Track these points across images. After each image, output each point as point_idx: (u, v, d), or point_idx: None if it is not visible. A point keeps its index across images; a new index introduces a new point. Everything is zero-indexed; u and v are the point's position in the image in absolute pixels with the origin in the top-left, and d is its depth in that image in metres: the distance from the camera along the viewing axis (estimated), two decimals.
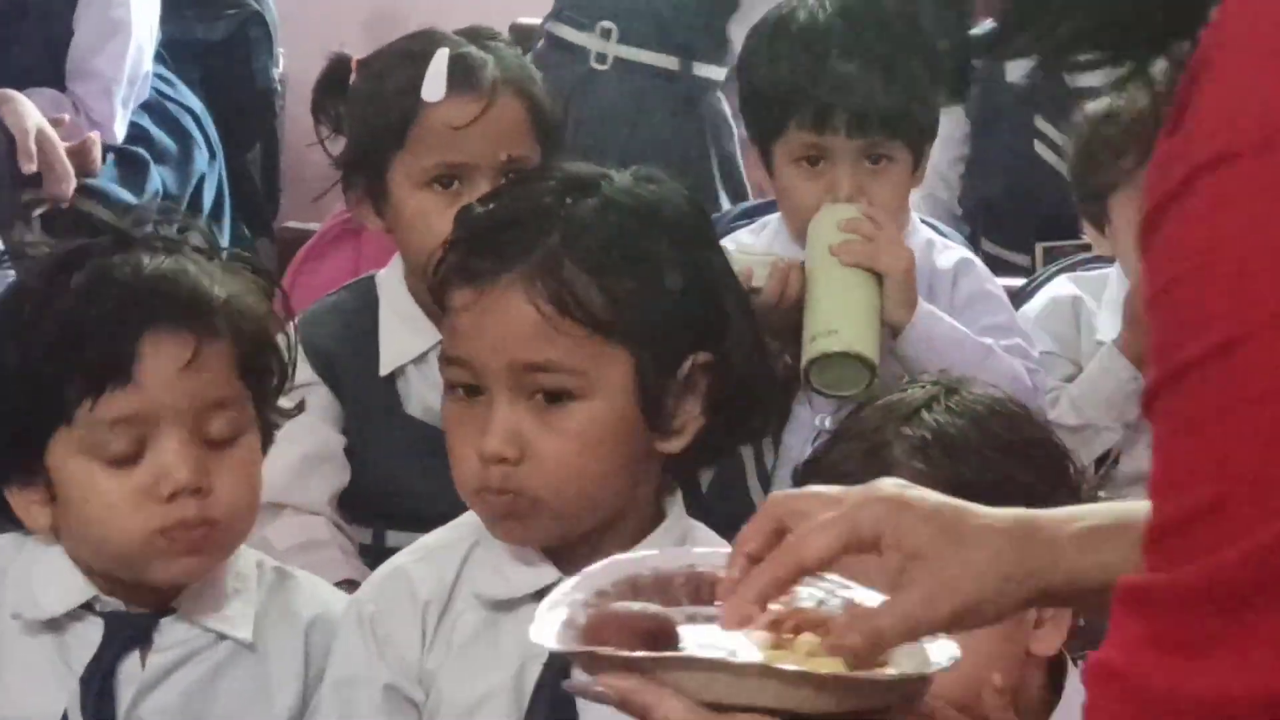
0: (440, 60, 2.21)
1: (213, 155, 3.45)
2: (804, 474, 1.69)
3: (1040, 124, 3.14)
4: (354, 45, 2.44)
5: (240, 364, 1.65)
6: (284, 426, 2.01)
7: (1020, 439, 1.64)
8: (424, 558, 1.69)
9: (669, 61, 3.35)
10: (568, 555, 1.62)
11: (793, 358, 2.27)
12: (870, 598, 1.21)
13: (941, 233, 2.54)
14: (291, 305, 2.35)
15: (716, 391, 1.63)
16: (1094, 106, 2.39)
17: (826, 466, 1.63)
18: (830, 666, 1.15)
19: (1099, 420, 2.32)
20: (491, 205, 1.64)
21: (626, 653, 1.15)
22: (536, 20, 3.41)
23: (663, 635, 1.18)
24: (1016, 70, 3.22)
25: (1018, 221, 3.15)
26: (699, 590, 1.25)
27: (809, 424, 2.34)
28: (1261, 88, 0.87)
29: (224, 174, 3.52)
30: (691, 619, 1.23)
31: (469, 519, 1.69)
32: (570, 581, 1.25)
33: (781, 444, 2.35)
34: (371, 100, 2.25)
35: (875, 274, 2.22)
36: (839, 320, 2.19)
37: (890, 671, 1.16)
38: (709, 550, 1.29)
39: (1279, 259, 0.84)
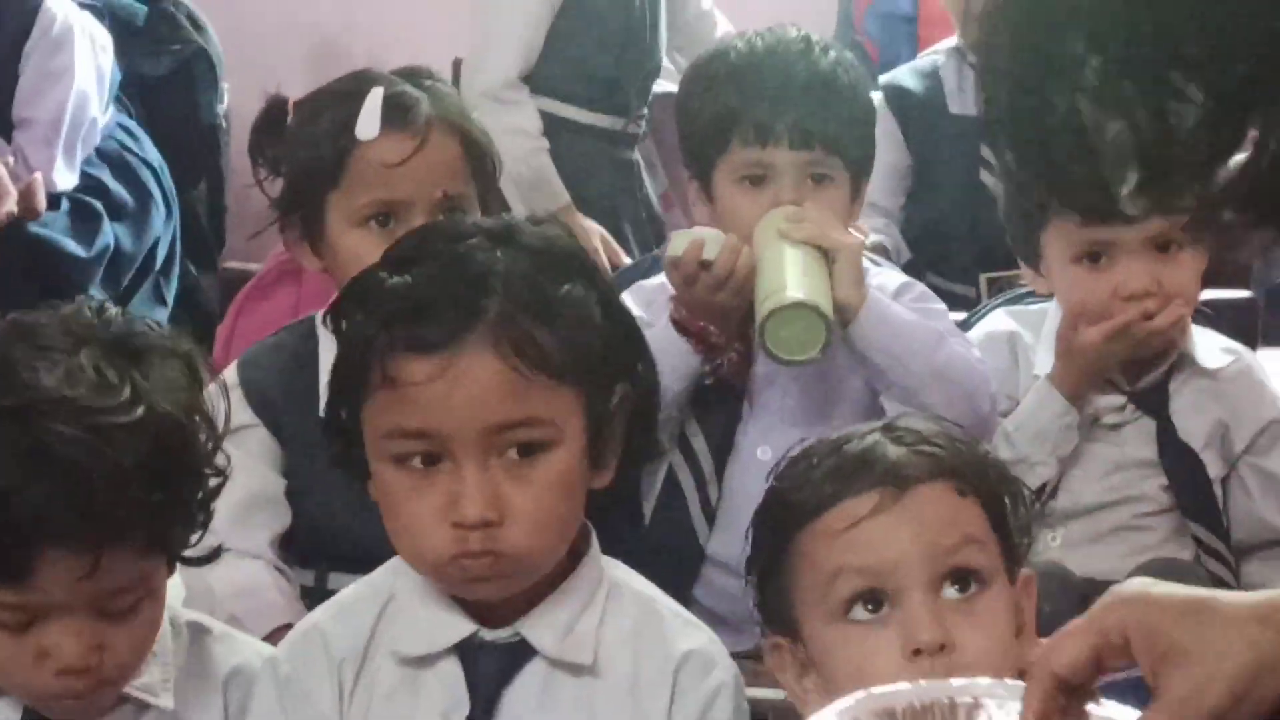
0: (374, 99, 2.22)
1: (169, 213, 3.44)
2: (779, 494, 1.63)
3: (985, 152, 3.13)
4: (297, 81, 2.45)
5: (149, 545, 1.60)
6: None
7: (988, 454, 1.65)
8: (338, 614, 1.68)
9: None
10: (486, 605, 1.62)
11: (739, 353, 2.29)
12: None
13: (879, 265, 2.56)
14: (232, 347, 2.36)
15: (634, 420, 1.65)
16: None
17: (807, 477, 1.59)
18: None
19: (1033, 454, 2.32)
20: (419, 271, 1.59)
21: None
22: None
23: None
24: (959, 100, 3.23)
25: (962, 252, 3.15)
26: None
27: (752, 455, 2.35)
28: None
29: (178, 226, 3.51)
30: None
31: (383, 573, 1.69)
32: (824, 714, 1.27)
33: (725, 476, 2.36)
34: (307, 140, 2.26)
35: (824, 255, 2.23)
36: (791, 280, 2.20)
37: None
38: (965, 681, 1.30)
39: None
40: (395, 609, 1.65)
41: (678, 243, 2.27)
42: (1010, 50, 1.02)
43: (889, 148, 3.11)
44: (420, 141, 2.22)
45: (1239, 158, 0.98)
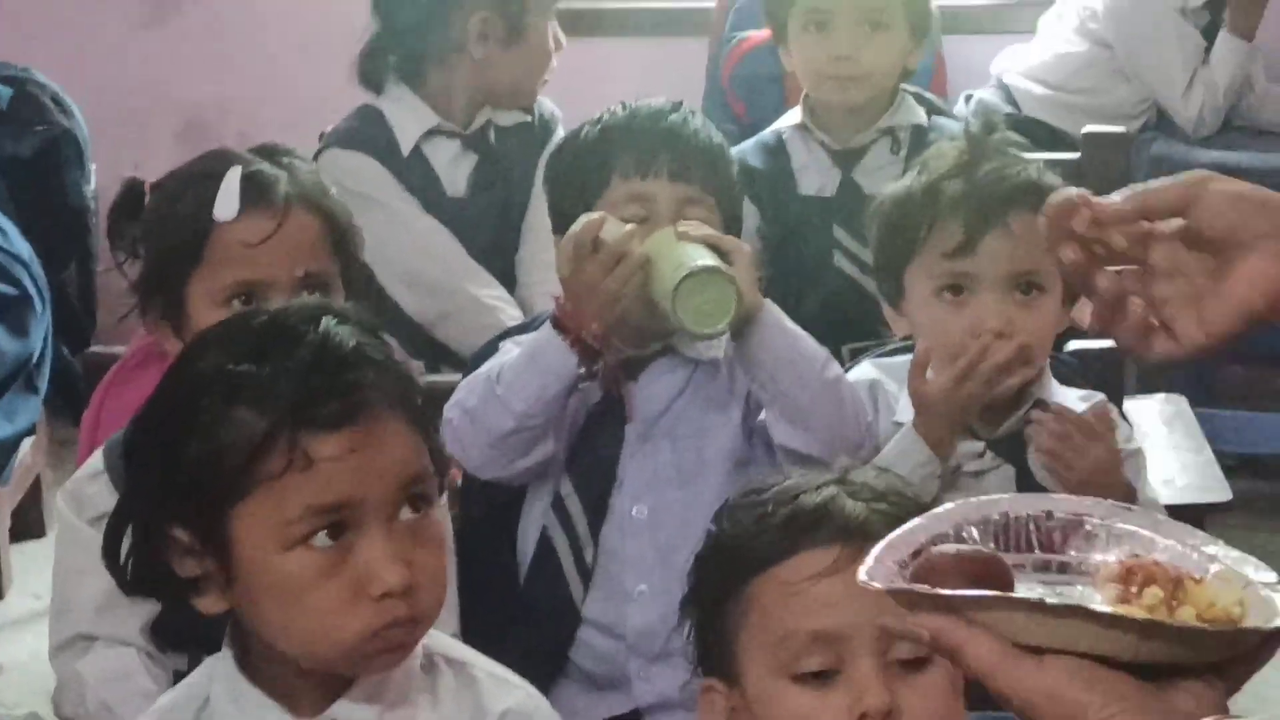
0: (232, 178, 2.23)
1: (45, 305, 3.40)
2: (731, 538, 1.64)
3: (838, 233, 3.08)
4: (168, 159, 2.46)
5: None
6: (91, 557, 2.00)
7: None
8: None
9: None
10: (301, 692, 1.62)
11: (615, 361, 2.29)
12: (1230, 557, 1.16)
13: None
14: (99, 433, 2.35)
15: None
16: (893, 187, 2.46)
17: (762, 525, 1.58)
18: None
19: None
20: (294, 356, 1.59)
21: (941, 590, 1.12)
22: None
23: (994, 577, 1.14)
24: (809, 182, 3.20)
25: (815, 333, 3.14)
26: (1050, 538, 1.21)
27: (627, 515, 2.36)
28: None
29: (51, 314, 3.47)
30: (1044, 567, 1.19)
31: (198, 675, 1.69)
32: (914, 521, 1.21)
33: (600, 537, 2.37)
34: (166, 221, 2.27)
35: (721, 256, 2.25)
36: (699, 255, 2.21)
37: (1211, 625, 1.10)
38: (1065, 497, 1.25)
39: None
40: (210, 713, 1.64)
41: (578, 222, 2.28)
42: None
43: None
44: (280, 220, 2.23)
45: None
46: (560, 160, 2.51)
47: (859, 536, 1.53)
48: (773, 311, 2.28)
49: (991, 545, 1.20)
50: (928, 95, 3.31)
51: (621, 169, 2.38)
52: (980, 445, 2.36)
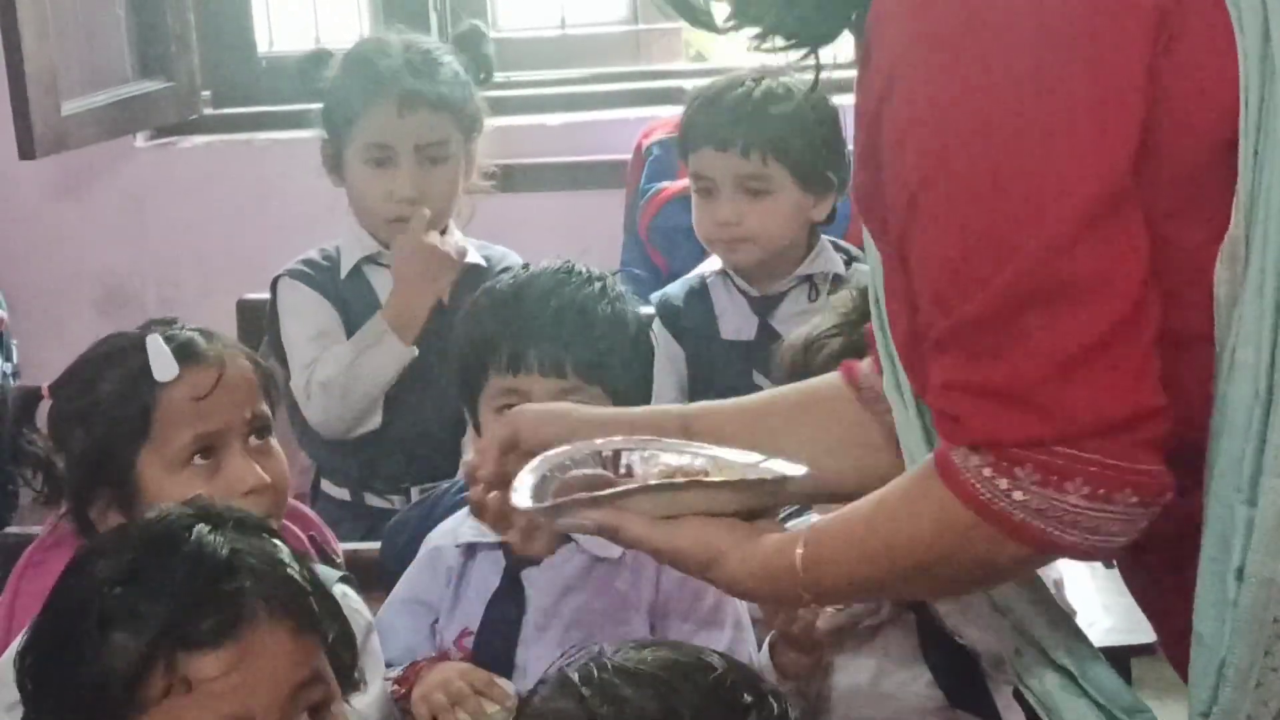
0: (157, 343, 2.23)
1: None
2: None
3: (759, 379, 3.09)
4: (88, 329, 2.43)
5: None
6: None
7: None
8: None
9: None
10: None
11: None
12: (719, 453, 1.70)
13: None
14: (15, 617, 2.30)
15: None
16: (792, 336, 2.47)
17: None
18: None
19: None
20: (168, 571, 1.59)
21: (597, 493, 1.62)
22: (262, 296, 3.42)
23: (609, 486, 1.65)
24: (730, 326, 3.23)
25: None
26: (616, 463, 1.72)
27: None
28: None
29: None
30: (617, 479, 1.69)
31: None
32: (529, 464, 1.70)
33: None
34: (95, 408, 2.23)
35: None
36: None
37: (774, 472, 1.65)
38: (607, 439, 1.74)
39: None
40: None
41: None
42: None
43: (668, 365, 3.12)
44: (220, 368, 2.24)
45: None
46: (457, 334, 2.52)
47: None
48: None
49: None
50: (843, 244, 3.33)
51: (495, 364, 2.39)
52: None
